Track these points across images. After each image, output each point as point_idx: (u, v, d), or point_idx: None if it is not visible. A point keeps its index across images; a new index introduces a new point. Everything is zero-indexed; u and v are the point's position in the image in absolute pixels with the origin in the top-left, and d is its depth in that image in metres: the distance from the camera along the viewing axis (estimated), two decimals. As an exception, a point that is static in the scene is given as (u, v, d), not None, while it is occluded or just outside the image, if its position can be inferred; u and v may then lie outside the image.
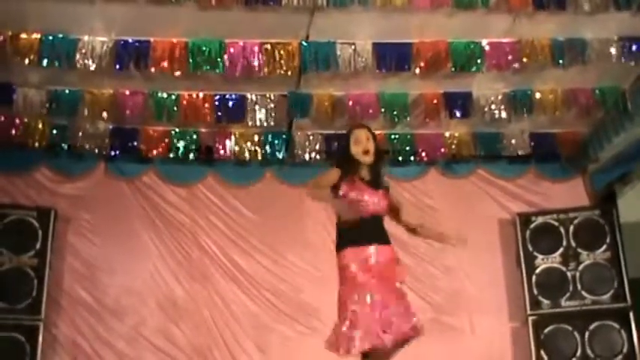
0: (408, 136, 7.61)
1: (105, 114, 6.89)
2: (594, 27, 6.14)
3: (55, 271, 7.26)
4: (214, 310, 7.58)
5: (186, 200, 7.86)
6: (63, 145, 7.38)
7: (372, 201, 4.73)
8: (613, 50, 6.27)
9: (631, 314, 7.11)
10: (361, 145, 4.83)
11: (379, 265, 4.60)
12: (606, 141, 7.27)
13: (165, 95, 6.89)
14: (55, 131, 7.27)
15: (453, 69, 6.35)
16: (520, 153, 7.78)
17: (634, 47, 6.26)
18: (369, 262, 4.59)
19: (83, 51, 6.10)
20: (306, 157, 7.62)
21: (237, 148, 7.52)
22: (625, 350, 7.06)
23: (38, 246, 7.07)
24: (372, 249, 4.62)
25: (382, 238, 4.72)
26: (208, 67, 6.22)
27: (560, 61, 6.31)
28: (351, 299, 4.55)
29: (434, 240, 5.18)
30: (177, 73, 6.24)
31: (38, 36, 6.06)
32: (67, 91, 6.77)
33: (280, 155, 7.67)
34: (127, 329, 7.42)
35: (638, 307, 7.09)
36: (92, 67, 6.15)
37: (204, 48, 6.19)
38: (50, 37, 6.07)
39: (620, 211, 7.45)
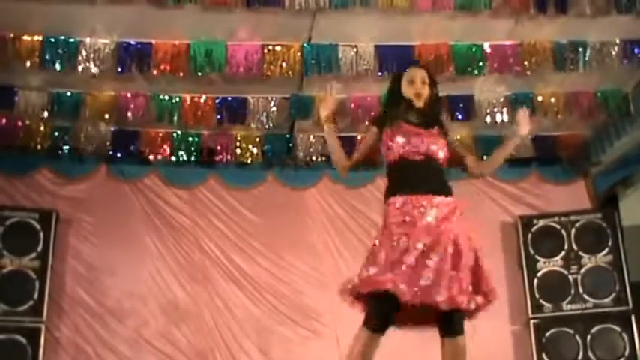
0: (410, 139, 7.60)
1: (107, 116, 6.90)
2: (596, 30, 6.14)
3: (57, 274, 7.26)
4: (216, 313, 7.57)
5: (188, 203, 7.86)
6: (65, 147, 7.38)
7: (422, 141, 3.99)
8: (615, 53, 6.26)
9: (633, 318, 7.10)
10: (414, 87, 4.13)
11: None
12: (608, 144, 7.26)
13: (166, 97, 6.89)
14: (56, 133, 7.27)
15: (454, 72, 6.35)
16: (522, 156, 7.78)
17: (636, 50, 6.24)
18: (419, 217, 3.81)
19: (85, 53, 6.10)
20: (308, 159, 7.63)
21: (238, 151, 7.53)
22: (627, 354, 7.04)
23: (40, 248, 7.07)
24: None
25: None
26: (210, 70, 6.23)
27: (562, 64, 6.31)
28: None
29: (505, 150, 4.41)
30: (179, 75, 6.24)
31: (40, 38, 6.06)
32: (68, 94, 6.78)
33: (282, 158, 7.69)
34: (129, 331, 7.41)
35: (637, 310, 7.08)
36: (94, 70, 6.15)
37: (206, 50, 6.19)
38: (52, 39, 6.07)
39: (621, 215, 7.46)
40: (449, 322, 3.83)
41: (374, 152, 4.27)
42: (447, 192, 3.96)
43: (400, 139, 4.00)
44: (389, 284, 3.61)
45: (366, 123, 4.45)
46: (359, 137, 7.42)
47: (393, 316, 3.77)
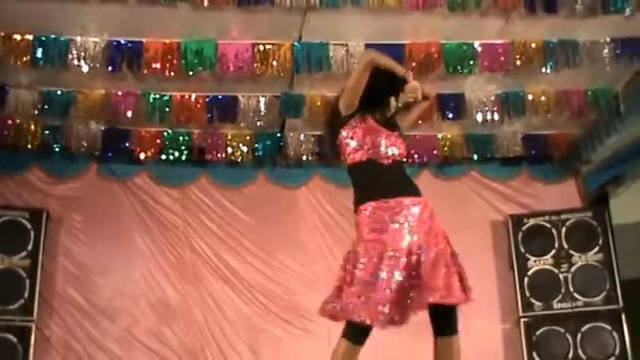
0: (400, 138, 7.61)
1: (97, 115, 6.89)
2: (586, 29, 6.14)
3: (47, 272, 7.24)
4: (206, 312, 7.57)
5: (179, 202, 7.85)
6: (55, 146, 7.36)
7: (390, 144, 3.94)
8: (605, 52, 6.27)
9: (623, 316, 7.12)
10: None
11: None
12: (599, 143, 7.27)
13: (157, 96, 6.88)
14: (47, 132, 7.25)
15: (445, 70, 6.36)
16: (513, 155, 7.80)
17: (626, 49, 6.25)
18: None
19: (75, 52, 6.08)
20: (299, 158, 7.63)
21: (229, 150, 7.52)
22: (617, 352, 7.06)
23: (30, 247, 7.05)
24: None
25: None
26: (201, 68, 6.22)
27: (553, 63, 6.32)
28: None
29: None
30: (170, 74, 6.23)
31: (30, 37, 6.04)
32: (59, 92, 6.75)
33: (273, 156, 7.69)
34: (119, 330, 7.41)
35: (630, 308, 7.11)
36: (85, 68, 6.13)
37: (196, 49, 6.18)
38: (43, 38, 6.05)
39: (612, 213, 7.48)
40: (444, 321, 3.81)
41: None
42: (418, 191, 3.91)
43: (368, 139, 3.93)
44: (372, 321, 3.56)
45: None
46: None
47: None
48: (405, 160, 4.03)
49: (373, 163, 3.87)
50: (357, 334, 3.69)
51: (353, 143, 3.95)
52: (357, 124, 3.96)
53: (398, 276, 3.59)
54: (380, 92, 4.02)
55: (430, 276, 3.58)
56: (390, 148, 3.91)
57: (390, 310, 3.55)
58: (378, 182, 3.84)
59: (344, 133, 3.99)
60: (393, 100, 4.04)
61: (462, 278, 3.80)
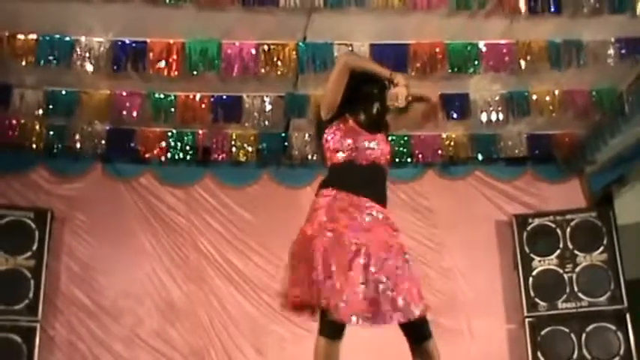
0: (405, 138, 7.61)
1: (102, 115, 6.90)
2: (591, 28, 6.13)
3: (52, 273, 7.25)
4: (211, 312, 7.58)
5: (183, 201, 7.85)
6: (60, 146, 7.36)
7: (370, 147, 3.86)
8: (610, 52, 6.26)
9: (628, 316, 7.11)
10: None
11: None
12: (603, 143, 7.27)
13: (162, 96, 6.88)
14: (51, 132, 7.26)
15: (449, 70, 6.35)
16: (517, 155, 7.80)
17: (631, 49, 6.24)
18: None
19: (80, 52, 6.08)
20: (303, 158, 7.64)
21: (234, 150, 7.52)
22: (621, 352, 7.05)
23: (35, 247, 7.06)
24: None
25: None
26: (205, 68, 6.22)
27: (557, 63, 6.31)
28: None
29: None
30: (174, 74, 6.23)
31: (35, 37, 6.04)
32: (63, 92, 6.76)
33: (277, 156, 7.69)
34: (124, 330, 7.42)
35: (635, 308, 7.10)
36: (89, 68, 6.14)
37: (201, 49, 6.18)
38: (47, 38, 6.05)
39: (616, 213, 7.46)
40: (418, 331, 3.69)
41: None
42: (385, 201, 3.82)
43: (347, 141, 3.86)
44: (353, 318, 3.46)
45: None
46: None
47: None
48: (383, 164, 3.91)
49: (351, 164, 3.82)
50: (336, 327, 3.60)
51: (332, 145, 3.92)
52: (337, 126, 3.92)
53: (359, 271, 3.52)
54: (360, 94, 3.96)
55: (393, 295, 3.50)
56: (369, 151, 3.84)
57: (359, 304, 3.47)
58: (352, 180, 3.77)
59: (325, 135, 3.96)
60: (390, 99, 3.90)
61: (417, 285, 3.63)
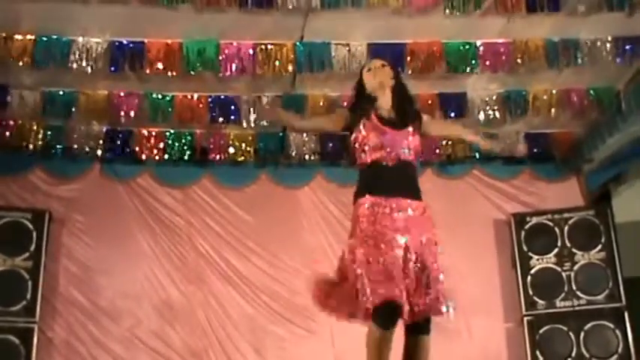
0: (403, 137, 7.60)
1: (99, 115, 6.90)
2: (588, 27, 6.15)
3: (50, 274, 7.24)
4: (210, 312, 7.57)
5: (182, 202, 7.85)
6: (57, 146, 7.36)
7: (391, 144, 3.94)
8: (607, 50, 6.27)
9: (626, 314, 7.13)
10: (375, 75, 4.11)
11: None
12: (600, 141, 7.28)
13: (159, 96, 6.90)
14: (49, 133, 7.27)
15: (447, 70, 6.36)
16: (515, 154, 7.80)
17: (628, 47, 6.26)
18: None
19: (77, 52, 6.09)
20: (301, 158, 7.64)
21: (232, 150, 7.53)
22: (620, 350, 7.07)
23: (32, 248, 7.06)
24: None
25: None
26: (203, 68, 6.22)
27: (555, 62, 6.32)
28: None
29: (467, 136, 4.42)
30: (172, 74, 6.23)
31: (32, 37, 6.05)
32: (61, 93, 6.77)
33: (275, 156, 7.70)
34: (123, 331, 7.40)
35: (633, 306, 7.11)
36: (87, 69, 6.14)
37: (198, 49, 6.19)
38: (44, 39, 6.06)
39: (614, 211, 7.48)
40: (423, 323, 3.86)
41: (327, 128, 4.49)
42: (419, 195, 3.98)
43: (373, 141, 3.97)
44: (397, 298, 3.66)
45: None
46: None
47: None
48: (410, 160, 4.01)
49: (379, 165, 3.93)
50: (388, 317, 3.70)
51: (358, 145, 4.03)
52: (362, 126, 4.02)
53: (399, 266, 3.73)
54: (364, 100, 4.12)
55: (420, 288, 3.77)
56: (395, 149, 3.94)
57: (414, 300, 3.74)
58: (383, 182, 3.89)
59: (352, 136, 4.08)
60: None
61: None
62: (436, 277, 3.82)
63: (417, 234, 3.83)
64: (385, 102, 4.11)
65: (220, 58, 6.21)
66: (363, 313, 3.75)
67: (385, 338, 3.69)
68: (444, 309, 3.77)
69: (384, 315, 3.67)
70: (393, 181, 3.89)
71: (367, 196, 3.88)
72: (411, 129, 4.04)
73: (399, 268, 3.71)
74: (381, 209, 3.82)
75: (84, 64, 6.11)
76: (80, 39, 6.10)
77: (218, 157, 7.56)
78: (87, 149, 7.39)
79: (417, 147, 4.03)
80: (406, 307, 3.68)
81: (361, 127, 4.03)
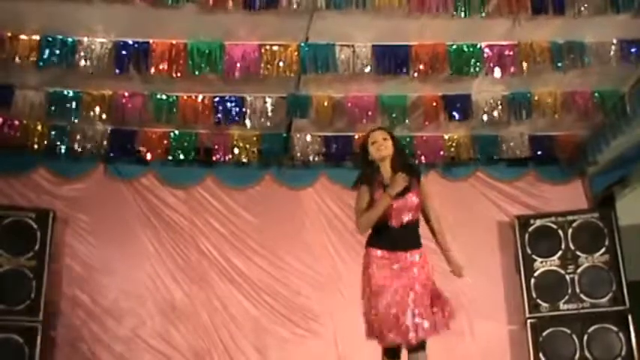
0: (407, 139, 7.60)
1: (104, 115, 6.89)
2: (593, 30, 6.14)
3: (54, 273, 7.25)
4: (213, 313, 7.58)
5: (185, 202, 7.86)
6: (62, 146, 7.37)
7: (398, 212, 4.77)
8: (612, 53, 6.27)
9: (629, 317, 7.11)
10: (378, 149, 4.88)
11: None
12: (605, 144, 7.27)
13: (164, 97, 6.90)
14: (53, 133, 7.28)
15: (451, 72, 6.36)
16: (519, 156, 7.80)
17: (633, 50, 6.25)
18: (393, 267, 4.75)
19: (82, 52, 6.10)
20: (305, 159, 7.64)
21: (236, 150, 7.53)
22: (623, 353, 7.06)
23: (36, 247, 7.06)
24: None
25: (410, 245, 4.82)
26: (207, 69, 6.22)
27: (560, 64, 6.31)
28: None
29: (444, 255, 5.03)
30: (177, 75, 6.23)
31: (37, 37, 6.06)
32: (66, 93, 6.77)
33: (279, 157, 7.70)
34: (126, 331, 7.42)
35: (637, 310, 7.10)
36: (91, 69, 6.14)
37: (203, 50, 6.19)
38: (49, 39, 6.07)
39: (618, 214, 7.46)
40: (421, 344, 4.65)
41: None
42: (418, 245, 4.82)
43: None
44: (398, 340, 4.59)
45: (355, 185, 4.97)
46: (356, 136, 7.46)
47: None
48: (413, 220, 4.81)
49: (386, 226, 4.78)
50: (391, 354, 4.73)
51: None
52: (372, 195, 4.81)
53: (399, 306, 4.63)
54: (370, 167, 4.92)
55: (421, 321, 4.60)
56: (400, 214, 4.77)
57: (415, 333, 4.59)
58: (388, 239, 4.78)
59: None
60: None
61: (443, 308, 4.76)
62: (425, 311, 4.65)
63: (409, 280, 4.68)
64: (386, 171, 4.88)
65: (225, 58, 6.20)
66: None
67: None
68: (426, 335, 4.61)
69: (390, 352, 4.72)
70: (397, 239, 4.77)
71: (374, 248, 4.79)
72: (411, 193, 4.79)
73: (402, 309, 4.59)
74: (383, 261, 4.74)
75: (89, 64, 6.11)
76: (85, 39, 6.10)
77: (222, 157, 7.57)
78: (91, 149, 7.40)
79: (417, 205, 4.84)
80: (412, 336, 4.55)
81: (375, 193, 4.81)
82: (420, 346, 4.64)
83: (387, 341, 4.60)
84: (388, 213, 4.76)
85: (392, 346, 4.67)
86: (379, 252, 4.78)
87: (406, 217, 4.79)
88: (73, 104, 6.80)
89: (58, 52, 6.09)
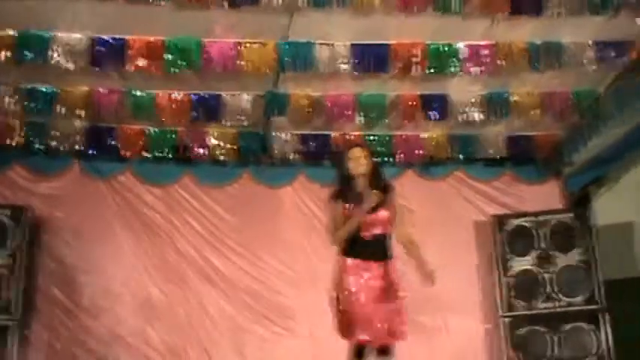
0: (386, 138, 7.63)
1: (81, 112, 6.84)
2: (570, 31, 6.18)
3: (29, 271, 7.16)
4: (190, 311, 7.56)
5: (163, 200, 7.82)
6: (38, 143, 7.30)
7: (369, 225, 5.12)
8: (588, 54, 6.31)
9: (603, 316, 7.16)
10: (356, 166, 5.20)
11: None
12: (581, 144, 7.34)
13: (141, 94, 6.85)
14: (30, 129, 7.21)
15: (430, 71, 6.38)
16: (496, 155, 7.84)
17: (609, 51, 6.30)
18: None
19: (59, 48, 6.04)
20: (284, 157, 7.64)
21: (214, 148, 7.50)
22: (597, 351, 7.11)
23: (12, 245, 6.99)
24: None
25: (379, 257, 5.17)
26: (185, 66, 6.20)
27: (537, 65, 6.35)
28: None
29: (416, 264, 5.25)
30: (154, 72, 6.20)
31: (13, 32, 6.00)
32: (42, 89, 6.72)
33: (257, 155, 7.68)
34: (103, 330, 7.37)
35: (611, 309, 7.15)
36: (68, 65, 6.09)
37: (181, 47, 6.16)
38: (25, 34, 6.00)
39: (594, 214, 7.52)
40: (388, 348, 5.05)
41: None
42: (387, 256, 5.17)
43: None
44: (367, 339, 4.96)
45: (330, 199, 5.31)
46: (333, 135, 7.47)
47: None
48: (383, 233, 5.17)
49: (359, 237, 5.14)
50: (357, 351, 5.04)
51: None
52: (346, 210, 5.17)
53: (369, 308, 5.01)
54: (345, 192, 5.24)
55: (383, 321, 4.98)
56: (371, 227, 5.13)
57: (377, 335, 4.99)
58: (360, 249, 5.13)
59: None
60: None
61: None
62: (389, 317, 5.03)
63: (375, 288, 5.04)
64: (361, 186, 5.18)
65: (203, 56, 6.18)
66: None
67: None
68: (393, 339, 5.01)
69: (356, 350, 5.03)
70: (368, 250, 5.13)
71: (348, 257, 5.13)
72: (382, 209, 5.14)
73: (368, 313, 4.96)
74: (355, 269, 5.08)
75: (65, 60, 6.06)
76: (61, 35, 6.04)
77: (200, 155, 7.54)
78: (68, 146, 7.34)
79: (388, 219, 5.19)
80: (374, 338, 4.95)
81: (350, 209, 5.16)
82: (388, 351, 5.03)
83: (358, 339, 4.94)
84: (360, 225, 5.10)
85: (360, 347, 5.00)
86: (351, 261, 5.12)
87: (376, 230, 5.14)
88: (50, 101, 6.73)
89: (33, 48, 6.02)
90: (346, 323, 5.02)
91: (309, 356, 7.31)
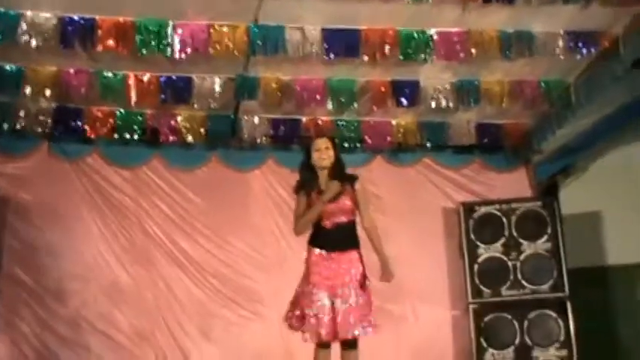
0: (355, 124, 7.62)
1: (48, 92, 6.75)
2: (542, 20, 6.20)
3: (-7, 252, 7.10)
4: (158, 295, 7.54)
5: (131, 183, 7.77)
6: (4, 124, 7.19)
7: (330, 214, 5.15)
8: (559, 44, 6.34)
9: (568, 304, 7.24)
10: (320, 157, 5.23)
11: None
12: (550, 133, 7.39)
13: (110, 75, 6.78)
14: (-4, 109, 7.10)
15: (401, 57, 6.37)
16: (466, 143, 7.87)
17: (579, 42, 6.33)
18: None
19: (26, 27, 5.93)
20: (253, 141, 7.60)
21: (182, 131, 7.45)
22: (562, 338, 7.20)
23: (-25, 226, 6.92)
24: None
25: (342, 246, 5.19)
26: (155, 48, 6.13)
27: (508, 53, 6.37)
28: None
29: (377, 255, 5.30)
30: (123, 53, 6.13)
31: (-22, 10, 5.90)
32: (8, 68, 6.61)
33: (226, 139, 7.64)
34: (69, 312, 7.33)
35: (576, 296, 7.23)
36: (35, 44, 5.99)
37: (151, 28, 6.09)
38: (-9, 12, 5.91)
39: (561, 203, 7.57)
40: (352, 341, 5.05)
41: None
42: (353, 245, 5.19)
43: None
44: (326, 337, 4.99)
45: (293, 191, 5.41)
46: (303, 119, 7.45)
47: None
48: (347, 221, 5.19)
49: (321, 227, 5.20)
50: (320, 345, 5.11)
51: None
52: (306, 199, 5.26)
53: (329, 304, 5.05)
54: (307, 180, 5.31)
55: (347, 314, 4.99)
56: (332, 216, 5.17)
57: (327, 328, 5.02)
58: (323, 240, 5.19)
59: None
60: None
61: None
62: (352, 310, 5.01)
63: (341, 279, 5.06)
64: (324, 177, 5.23)
65: (173, 37, 6.12)
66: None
67: (324, 354, 5.11)
68: (355, 332, 4.97)
69: (320, 344, 5.08)
70: (331, 239, 5.16)
71: (313, 248, 5.19)
72: (344, 197, 5.16)
73: (328, 311, 5.00)
74: (319, 259, 5.14)
75: (32, 39, 5.95)
76: (29, 13, 5.93)
77: (168, 138, 7.49)
78: (35, 127, 7.24)
79: (350, 209, 5.20)
80: (335, 332, 4.97)
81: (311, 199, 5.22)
82: (352, 343, 5.04)
83: (320, 338, 4.98)
84: (322, 215, 5.14)
85: (325, 342, 5.04)
86: (317, 251, 5.18)
87: (339, 220, 5.17)
88: (17, 80, 6.63)
89: (1, 26, 5.89)
90: (305, 323, 5.06)
91: (276, 340, 7.31)
